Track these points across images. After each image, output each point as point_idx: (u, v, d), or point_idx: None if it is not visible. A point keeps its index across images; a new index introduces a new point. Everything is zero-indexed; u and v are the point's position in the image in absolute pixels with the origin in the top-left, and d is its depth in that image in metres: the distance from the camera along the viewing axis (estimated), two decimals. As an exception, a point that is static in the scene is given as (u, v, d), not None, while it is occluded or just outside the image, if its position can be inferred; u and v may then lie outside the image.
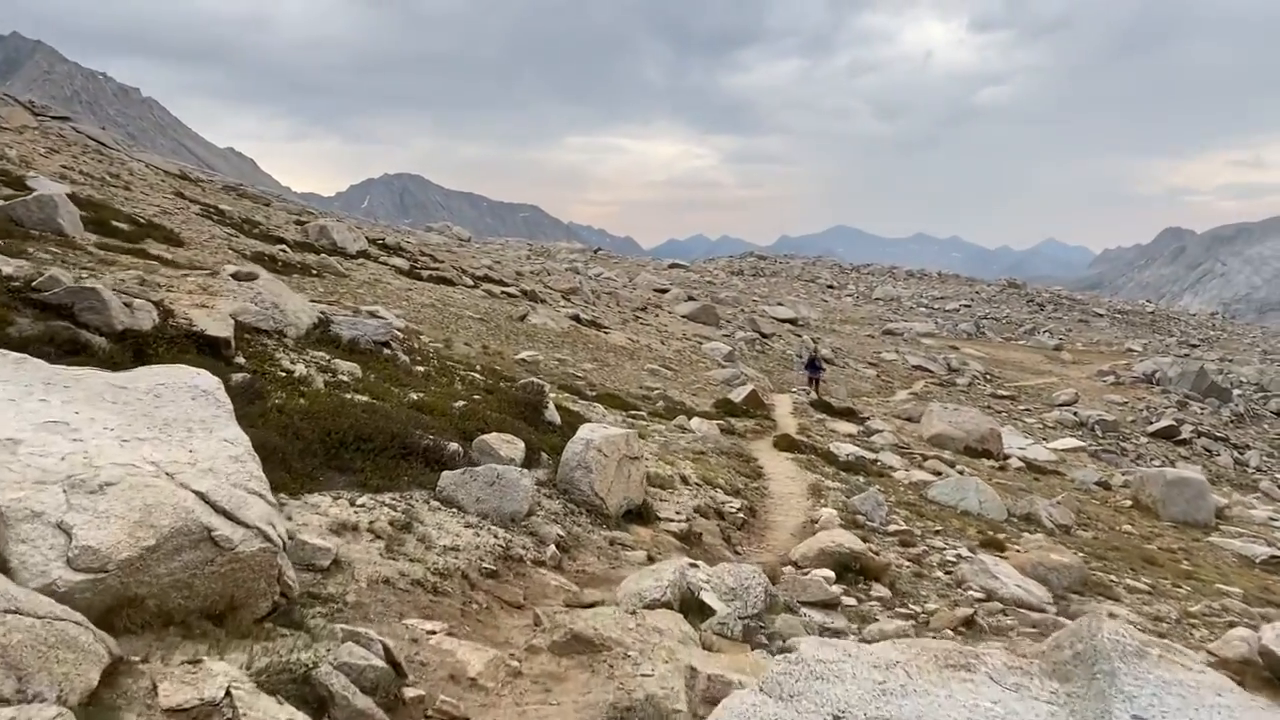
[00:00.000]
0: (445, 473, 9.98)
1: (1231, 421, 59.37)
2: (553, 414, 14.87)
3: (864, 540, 13.04)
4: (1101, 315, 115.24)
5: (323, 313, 14.43)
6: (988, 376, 62.02)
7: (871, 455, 24.51)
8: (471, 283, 40.83)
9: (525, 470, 11.37)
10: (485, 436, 11.73)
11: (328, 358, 12.79)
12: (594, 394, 24.66)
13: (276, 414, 9.79)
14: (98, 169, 37.28)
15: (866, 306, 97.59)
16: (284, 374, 11.59)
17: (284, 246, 34.65)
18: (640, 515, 12.22)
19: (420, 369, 14.54)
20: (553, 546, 9.72)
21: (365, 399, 11.84)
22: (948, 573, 12.97)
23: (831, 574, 10.71)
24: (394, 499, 9.16)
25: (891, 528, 14.85)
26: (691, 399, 29.56)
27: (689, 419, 22.34)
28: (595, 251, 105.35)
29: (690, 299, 57.34)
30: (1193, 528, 26.17)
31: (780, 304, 72.25)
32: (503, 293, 40.42)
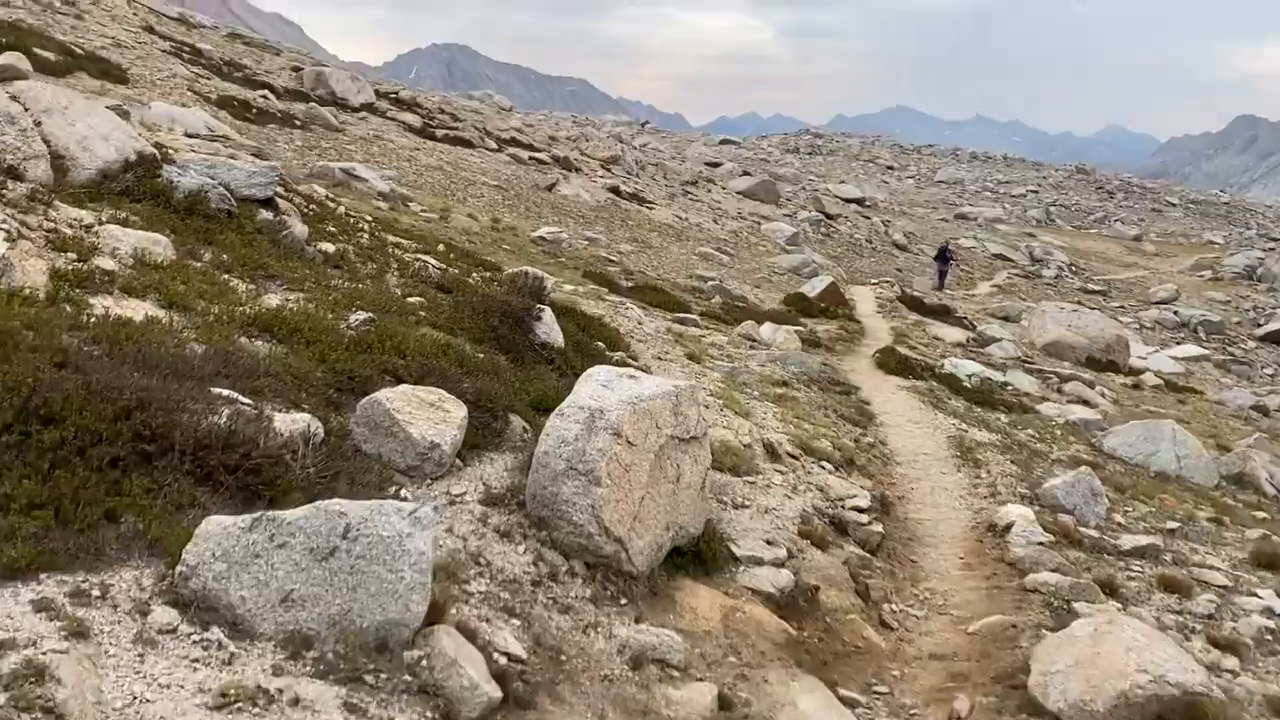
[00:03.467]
0: (211, 521, 3.75)
1: (1348, 324, 51.63)
2: (550, 329, 8.50)
3: (1086, 566, 6.79)
4: (1175, 205, 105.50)
5: (157, 147, 8.11)
6: (1074, 268, 54.48)
7: (999, 376, 17.95)
8: (495, 146, 34.03)
9: (448, 490, 5.15)
10: (385, 394, 5.47)
11: (102, 220, 6.45)
12: (630, 284, 18.21)
13: None
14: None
15: (929, 189, 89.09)
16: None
17: (267, 93, 28.01)
18: (699, 557, 5.96)
19: (328, 248, 8.24)
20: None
21: (144, 310, 5.60)
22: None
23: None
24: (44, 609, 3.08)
25: (1126, 542, 8.44)
26: (754, 292, 22.98)
27: (758, 325, 15.84)
28: (643, 125, 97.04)
29: (746, 174, 49.98)
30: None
31: (844, 182, 64.48)
32: (531, 158, 33.60)
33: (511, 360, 7.84)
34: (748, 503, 7.04)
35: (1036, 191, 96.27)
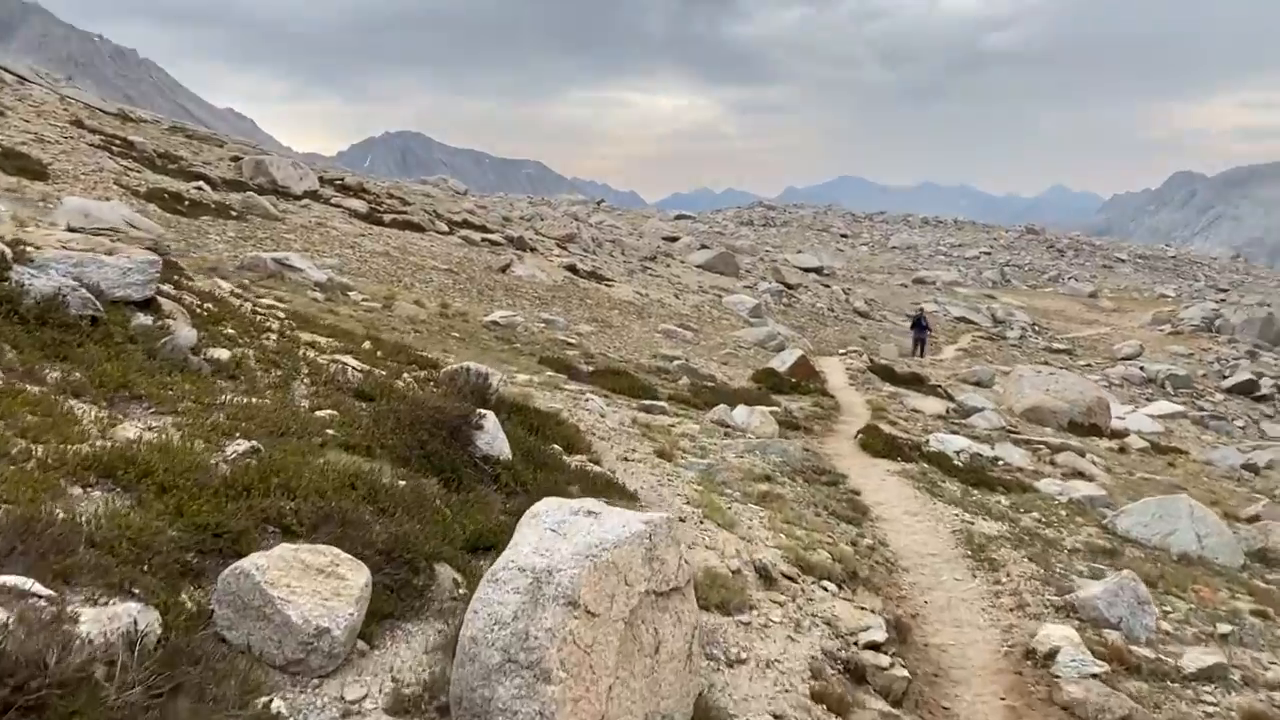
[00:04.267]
0: None
1: (1310, 373, 51.44)
2: (494, 438, 7.08)
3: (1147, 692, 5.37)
4: (1124, 260, 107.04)
5: (13, 244, 6.66)
6: (1036, 328, 54.04)
7: (988, 450, 16.70)
8: (446, 229, 32.83)
9: (341, 695, 3.70)
10: (256, 562, 4.01)
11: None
12: (591, 369, 16.84)
13: None
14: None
15: (884, 255, 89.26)
16: None
17: (202, 184, 26.64)
18: (690, 754, 4.50)
19: (221, 355, 6.78)
20: None
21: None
22: None
23: None
24: None
25: (1188, 663, 7.04)
26: (722, 370, 21.68)
27: (730, 407, 14.48)
28: (599, 203, 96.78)
29: (704, 247, 49.18)
30: None
31: (800, 251, 64.06)
32: (484, 240, 32.42)
33: (445, 483, 6.37)
34: (744, 655, 5.56)
35: (989, 253, 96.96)
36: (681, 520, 7.65)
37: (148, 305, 7.00)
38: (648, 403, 13.59)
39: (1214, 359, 49.48)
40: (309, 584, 4.08)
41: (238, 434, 5.46)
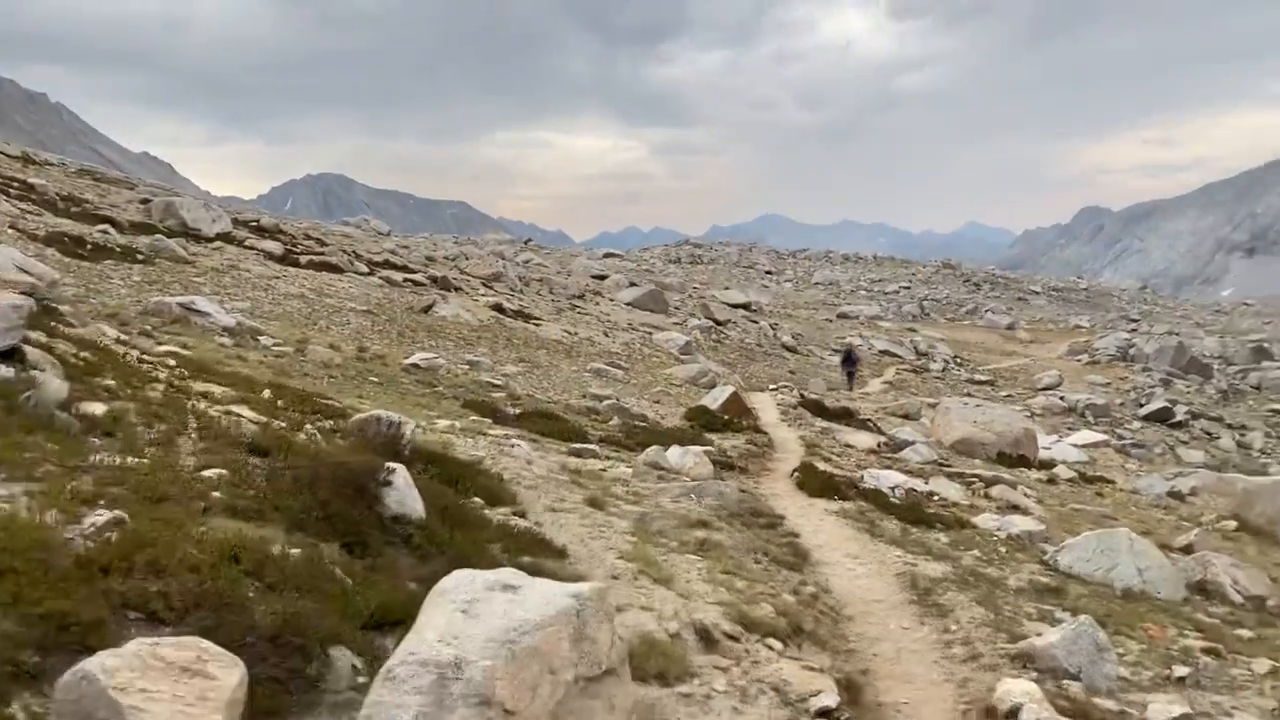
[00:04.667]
0: None
1: (1219, 399, 52.95)
2: (406, 495, 6.41)
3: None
4: (1038, 293, 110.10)
5: None
6: (958, 360, 54.77)
7: (922, 485, 16.41)
8: (366, 269, 31.89)
9: None
10: (103, 663, 3.31)
11: None
12: (518, 411, 16.18)
13: None
14: None
15: (808, 291, 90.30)
16: None
17: (108, 227, 25.41)
18: None
19: (96, 410, 6.00)
20: None
21: None
22: None
23: None
24: None
25: (1154, 714, 6.63)
26: (654, 408, 21.15)
27: (664, 448, 13.92)
28: (526, 242, 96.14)
29: (633, 285, 48.86)
30: (1329, 557, 18.64)
31: (728, 288, 64.23)
32: (405, 280, 31.57)
33: (348, 549, 5.69)
34: (686, 736, 4.97)
35: (909, 288, 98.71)
36: (615, 578, 7.04)
37: (10, 355, 6.21)
38: (578, 446, 12.96)
39: (1130, 388, 50.61)
40: (169, 686, 3.38)
41: (102, 502, 4.72)
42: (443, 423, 12.68)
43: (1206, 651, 8.96)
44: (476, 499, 8.22)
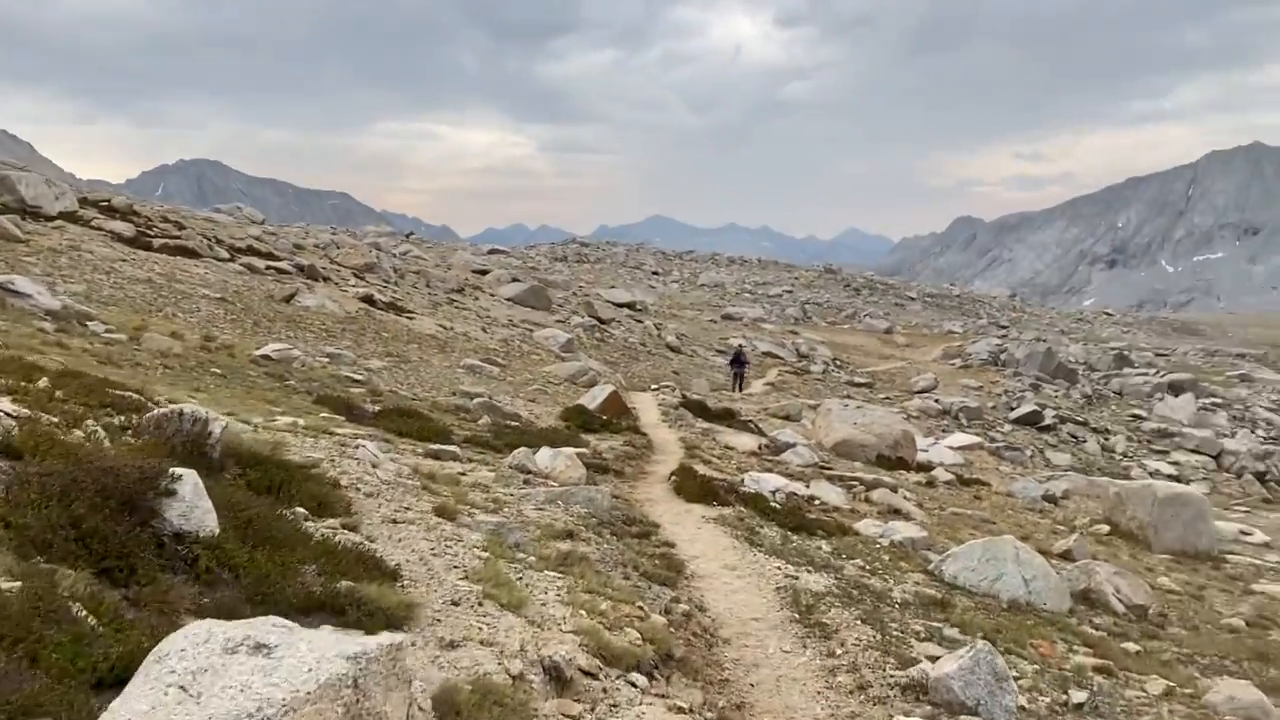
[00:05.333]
0: None
1: (1084, 404, 54.80)
2: (194, 508, 5.22)
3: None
4: (914, 299, 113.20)
5: None
6: (838, 362, 55.23)
7: (803, 489, 15.79)
8: (227, 255, 29.81)
9: None
10: None
11: None
12: (378, 409, 14.89)
13: None
14: None
15: (694, 292, 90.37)
16: None
17: (-74, 199, 22.89)
18: None
19: None
20: None
21: None
22: None
23: None
24: None
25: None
26: (529, 407, 20.06)
27: (534, 450, 12.87)
28: (408, 235, 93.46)
29: (515, 280, 47.51)
30: (1193, 559, 18.91)
31: (614, 287, 63.42)
32: (269, 268, 29.61)
33: (107, 576, 4.49)
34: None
35: (791, 291, 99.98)
36: (455, 604, 5.98)
37: None
38: (437, 447, 11.79)
39: (1001, 391, 51.82)
40: None
41: None
42: (285, 419, 11.36)
43: (1099, 670, 8.45)
44: (299, 509, 7.04)
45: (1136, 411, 52.79)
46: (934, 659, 7.50)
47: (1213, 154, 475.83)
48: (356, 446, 9.87)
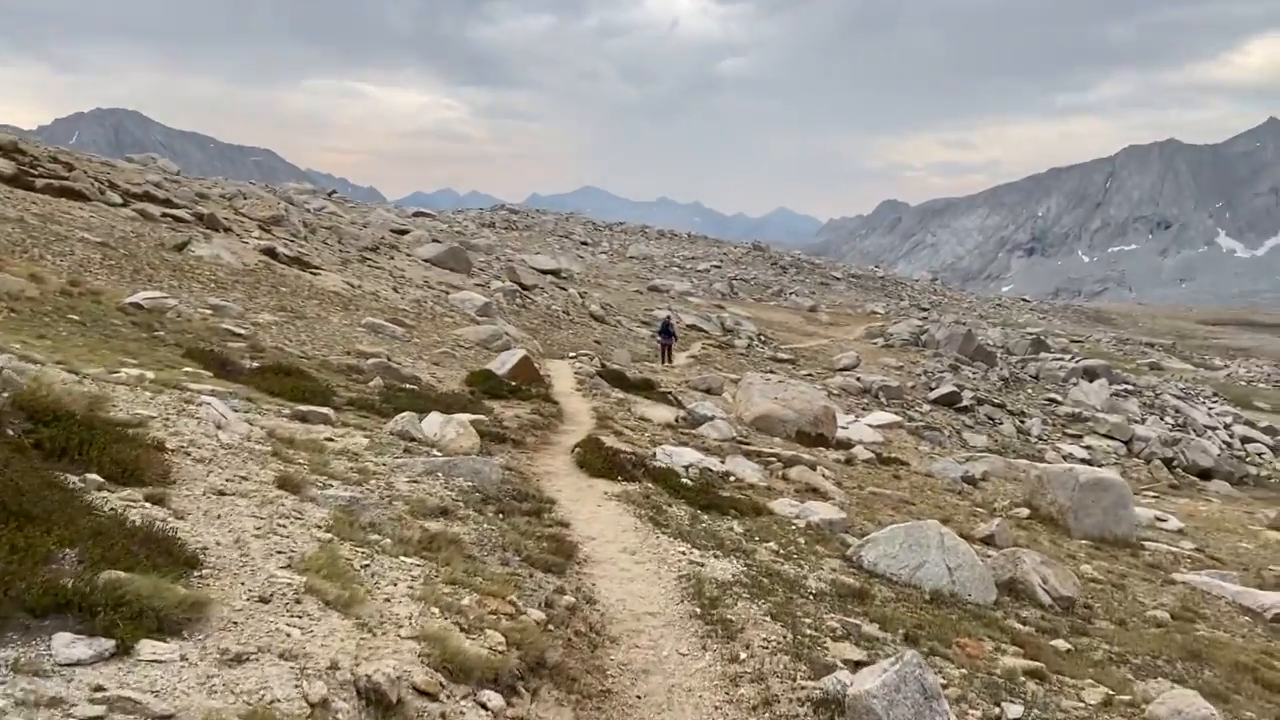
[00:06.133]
0: None
1: (1001, 386, 55.12)
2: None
3: None
4: (839, 279, 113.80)
5: None
6: (762, 338, 54.60)
7: (718, 464, 14.75)
8: (120, 200, 27.62)
9: None
10: None
11: None
12: (257, 365, 13.42)
13: None
14: None
15: (622, 264, 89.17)
16: None
17: None
18: None
19: None
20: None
21: None
22: None
23: None
24: None
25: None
26: (432, 370, 18.67)
27: (422, 415, 11.56)
28: (330, 194, 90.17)
29: (435, 241, 45.63)
30: (1112, 545, 18.44)
31: (539, 253, 61.80)
32: (165, 215, 27.52)
33: None
34: None
35: (720, 267, 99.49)
36: (264, 601, 4.72)
37: None
38: (307, 409, 10.41)
39: (921, 371, 51.74)
40: None
41: None
42: (134, 372, 9.86)
43: (1030, 674, 7.54)
44: (92, 476, 5.69)
45: (1052, 395, 53.26)
46: (852, 664, 6.49)
47: (1130, 148, 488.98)
48: (200, 405, 8.46)
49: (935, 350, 57.11)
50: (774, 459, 16.72)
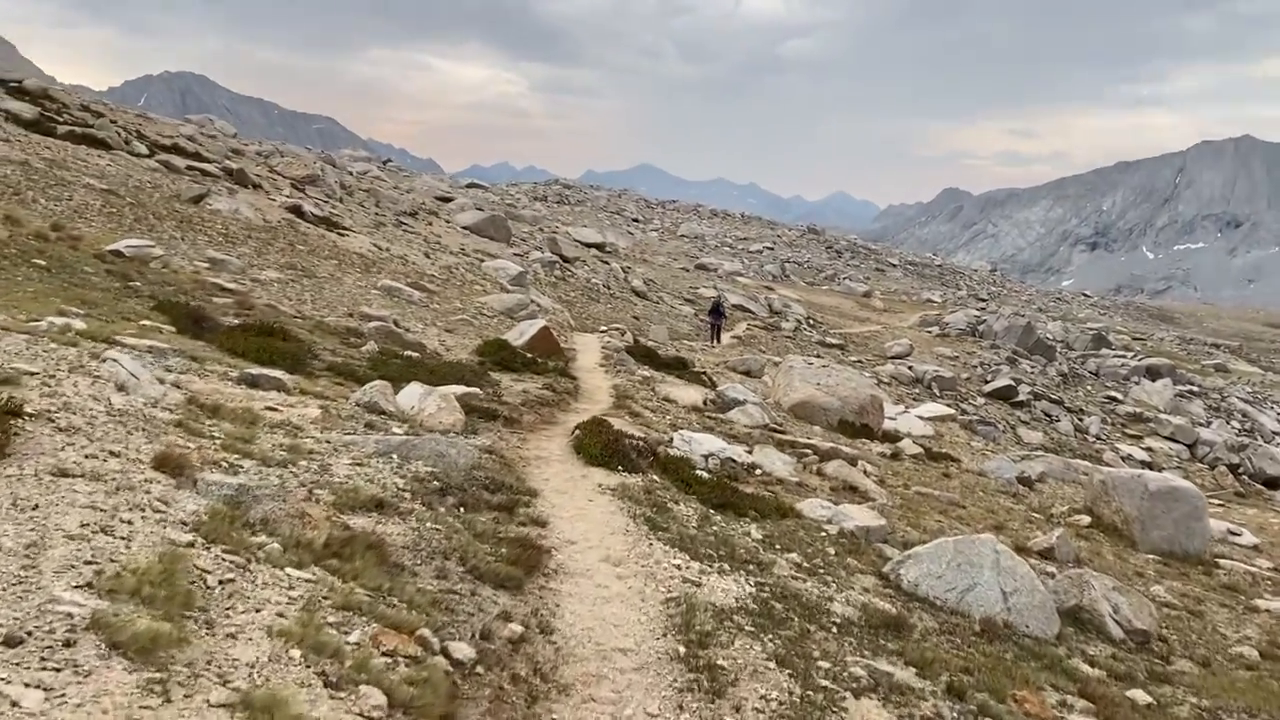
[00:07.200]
0: None
1: (1060, 382, 52.52)
2: None
3: None
4: (895, 266, 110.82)
5: None
6: (811, 321, 52.54)
7: (744, 454, 13.07)
8: (146, 151, 26.56)
9: None
10: None
11: None
12: (237, 322, 12.02)
13: None
14: None
15: (672, 242, 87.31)
16: None
17: None
18: None
19: None
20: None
21: None
22: None
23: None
24: None
25: None
26: (444, 338, 17.22)
27: (399, 387, 10.05)
28: (385, 163, 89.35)
29: (477, 209, 44.26)
30: (1182, 562, 16.47)
31: (585, 226, 60.25)
32: (191, 168, 26.40)
33: None
34: None
35: (772, 249, 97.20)
36: (7, 645, 3.21)
37: None
38: (260, 372, 8.94)
39: (977, 363, 49.39)
40: None
41: None
42: (60, 321, 8.49)
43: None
44: None
45: (1112, 394, 50.55)
46: (875, 737, 4.86)
47: (1203, 144, 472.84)
48: (106, 362, 7.02)
49: (992, 342, 54.60)
50: (809, 451, 15.01)
